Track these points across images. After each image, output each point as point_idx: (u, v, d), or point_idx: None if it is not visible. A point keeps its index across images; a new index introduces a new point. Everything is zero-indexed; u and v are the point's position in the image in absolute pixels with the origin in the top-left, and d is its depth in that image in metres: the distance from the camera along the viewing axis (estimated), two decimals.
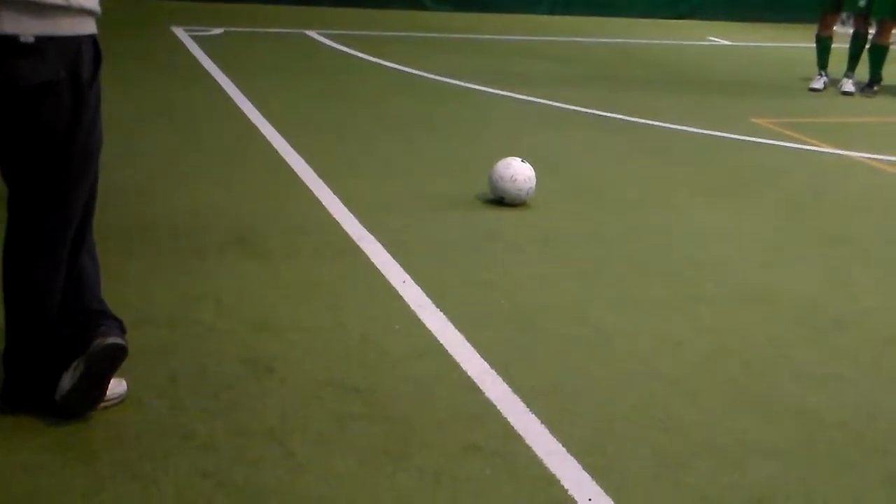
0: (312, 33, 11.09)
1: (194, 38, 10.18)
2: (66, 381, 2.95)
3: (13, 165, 2.90)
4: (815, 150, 7.18)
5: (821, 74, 9.85)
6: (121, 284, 3.95)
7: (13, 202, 2.95)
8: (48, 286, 2.98)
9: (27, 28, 2.71)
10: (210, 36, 10.45)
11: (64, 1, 2.74)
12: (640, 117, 7.09)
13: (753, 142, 7.30)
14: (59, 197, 2.92)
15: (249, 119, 6.94)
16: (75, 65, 2.80)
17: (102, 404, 3.02)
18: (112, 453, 2.83)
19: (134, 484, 2.70)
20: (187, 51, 9.57)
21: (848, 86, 9.75)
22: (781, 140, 7.41)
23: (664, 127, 7.55)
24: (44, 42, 2.73)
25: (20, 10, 2.70)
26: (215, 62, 8.95)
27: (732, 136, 7.41)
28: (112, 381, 3.02)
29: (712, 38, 13.16)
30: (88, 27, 2.84)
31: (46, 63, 2.75)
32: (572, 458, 2.96)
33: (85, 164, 2.95)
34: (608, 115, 6.75)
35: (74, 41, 2.79)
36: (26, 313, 2.99)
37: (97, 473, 2.73)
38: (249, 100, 7.47)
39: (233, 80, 8.17)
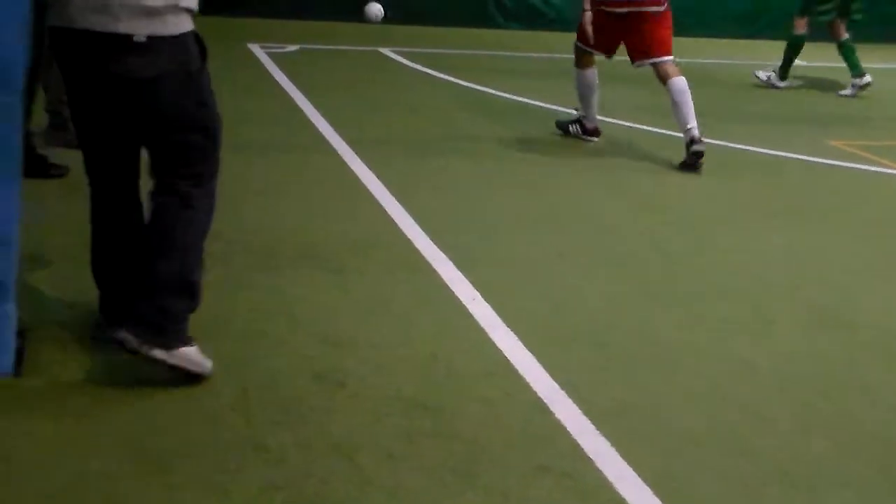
0: (386, 51, 11.17)
1: (270, 54, 10.30)
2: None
3: (140, 145, 3.38)
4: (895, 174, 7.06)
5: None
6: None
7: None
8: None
9: (140, 28, 3.12)
10: (285, 53, 10.57)
11: (172, 2, 3.14)
12: (712, 138, 7.01)
13: (831, 164, 7.19)
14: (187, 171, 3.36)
15: (322, 134, 7.00)
16: (184, 58, 3.22)
17: (183, 366, 3.25)
18: (185, 464, 2.87)
19: (207, 495, 2.73)
20: (262, 67, 9.69)
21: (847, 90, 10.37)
22: (860, 163, 7.29)
23: (736, 147, 7.47)
24: (156, 42, 3.14)
25: (135, 13, 3.11)
26: (290, 78, 9.04)
27: (809, 157, 7.30)
28: (199, 356, 3.30)
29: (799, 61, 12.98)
30: (190, 24, 3.24)
31: (158, 59, 3.16)
32: (642, 481, 2.93)
33: (206, 139, 3.40)
34: (677, 134, 6.71)
35: (181, 38, 3.20)
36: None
37: (171, 483, 2.77)
38: (323, 115, 7.53)
39: (306, 96, 8.24)
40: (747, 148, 7.48)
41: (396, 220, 5.17)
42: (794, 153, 7.40)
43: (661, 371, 3.69)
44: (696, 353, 3.86)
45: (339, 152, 6.52)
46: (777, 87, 10.41)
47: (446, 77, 9.83)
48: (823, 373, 3.77)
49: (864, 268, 5.00)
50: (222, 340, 3.67)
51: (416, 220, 5.15)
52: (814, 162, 7.22)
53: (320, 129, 7.14)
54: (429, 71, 10.15)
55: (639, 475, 2.95)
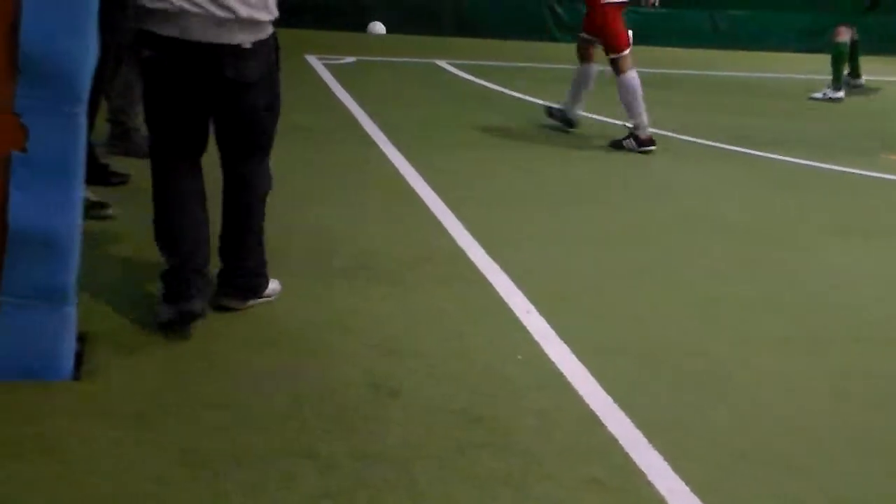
0: (442, 62, 11.21)
1: (327, 66, 10.39)
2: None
3: (231, 134, 3.90)
4: None
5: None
6: (248, 308, 4.04)
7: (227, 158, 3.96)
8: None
9: (248, 38, 3.69)
10: (342, 64, 10.65)
11: (270, 16, 3.73)
12: (766, 151, 6.98)
13: (887, 179, 7.10)
14: (259, 147, 3.98)
15: (378, 145, 7.04)
16: (272, 58, 3.82)
17: (262, 300, 4.05)
18: (238, 471, 2.89)
19: (256, 502, 2.75)
20: (320, 78, 9.77)
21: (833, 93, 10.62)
22: None
23: (791, 161, 7.40)
24: (258, 46, 3.72)
25: (245, 26, 3.66)
26: (346, 89, 9.11)
27: (864, 172, 7.21)
28: (275, 281, 4.12)
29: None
30: (272, 28, 3.80)
31: (259, 62, 3.74)
32: (694, 496, 2.91)
33: (273, 122, 3.98)
34: (735, 148, 6.67)
35: (270, 41, 3.80)
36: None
37: (223, 490, 2.80)
38: (378, 126, 7.58)
39: (363, 107, 8.30)
40: (805, 162, 7.41)
41: (452, 233, 5.18)
42: (853, 168, 7.30)
43: (713, 387, 3.66)
44: (748, 370, 3.82)
45: (396, 163, 6.55)
46: (837, 99, 10.35)
47: (501, 89, 9.84)
48: (877, 393, 3.72)
49: None
50: (275, 349, 3.70)
51: (471, 233, 5.16)
52: (873, 177, 7.13)
53: (376, 140, 7.18)
54: (484, 83, 10.17)
55: (690, 489, 2.94)
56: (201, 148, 3.94)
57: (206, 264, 3.89)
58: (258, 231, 4.01)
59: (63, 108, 3.20)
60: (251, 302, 4.00)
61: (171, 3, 3.59)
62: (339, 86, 9.30)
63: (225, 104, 3.81)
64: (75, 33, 3.18)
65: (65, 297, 3.31)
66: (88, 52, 3.24)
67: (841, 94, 10.45)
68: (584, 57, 7.64)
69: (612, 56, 7.34)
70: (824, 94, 10.47)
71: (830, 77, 10.47)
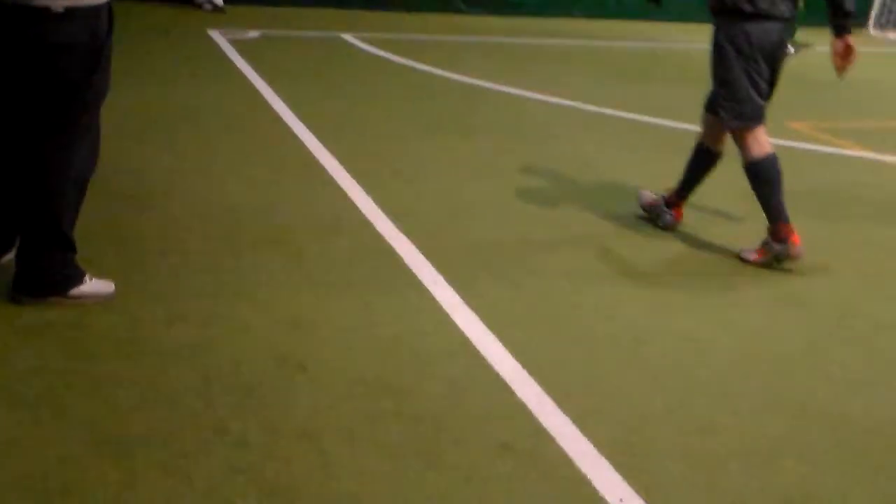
0: (347, 36, 11.12)
1: (231, 41, 10.23)
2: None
3: (34, 107, 3.51)
4: (852, 155, 7.12)
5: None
6: (156, 283, 3.99)
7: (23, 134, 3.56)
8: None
9: (59, 2, 3.35)
10: (246, 39, 10.50)
11: None
12: (658, 118, 7.06)
13: (790, 146, 7.24)
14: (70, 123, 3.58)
15: (283, 120, 6.96)
16: (94, 29, 3.48)
17: (90, 300, 3.74)
18: (146, 449, 2.85)
19: (168, 479, 2.72)
20: (223, 54, 9.62)
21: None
22: (818, 144, 7.35)
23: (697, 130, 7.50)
24: (71, 11, 3.38)
25: None
26: (251, 64, 8.99)
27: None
28: (101, 282, 3.79)
29: None
30: None
31: (74, 28, 3.40)
32: (604, 459, 2.96)
33: (96, 101, 3.63)
34: (637, 117, 6.74)
35: (95, 9, 3.47)
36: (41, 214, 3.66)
37: (132, 468, 2.76)
38: (284, 101, 7.50)
39: (268, 82, 8.20)
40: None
41: (358, 205, 5.16)
42: None
43: (623, 350, 3.72)
44: (659, 333, 3.88)
45: (301, 138, 6.49)
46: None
47: (408, 62, 9.80)
48: (782, 351, 3.81)
49: (820, 248, 5.04)
50: (184, 324, 3.66)
51: (378, 205, 5.15)
52: (776, 144, 7.25)
53: (281, 115, 7.11)
54: (390, 56, 10.12)
55: (600, 452, 2.98)
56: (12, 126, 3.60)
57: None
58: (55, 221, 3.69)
59: None
60: (53, 299, 3.71)
61: None
62: (244, 61, 9.18)
63: (31, 71, 3.46)
64: None
65: None
66: None
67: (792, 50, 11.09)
68: None
69: None
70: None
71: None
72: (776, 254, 4.62)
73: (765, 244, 4.66)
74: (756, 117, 4.68)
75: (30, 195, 3.63)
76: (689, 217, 5.31)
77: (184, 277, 4.08)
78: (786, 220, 4.61)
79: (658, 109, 8.05)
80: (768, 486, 2.88)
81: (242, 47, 9.91)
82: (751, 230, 4.94)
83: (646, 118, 7.79)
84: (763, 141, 4.71)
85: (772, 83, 4.74)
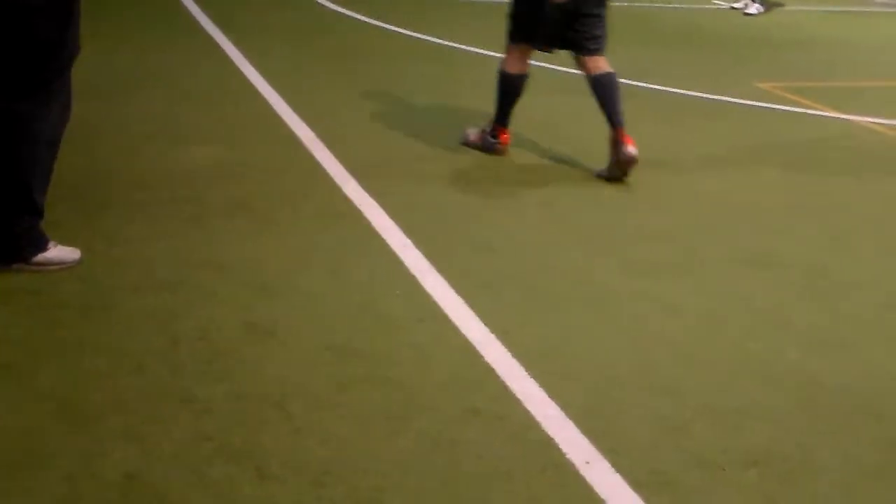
0: None
1: None
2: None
3: (9, 70, 3.50)
4: (819, 115, 7.14)
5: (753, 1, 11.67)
6: (121, 249, 3.97)
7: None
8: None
9: None
10: None
11: None
12: (640, 80, 7.05)
13: (757, 106, 7.26)
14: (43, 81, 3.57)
15: (250, 81, 6.91)
16: None
17: (55, 266, 3.71)
18: (113, 416, 2.84)
19: (134, 447, 2.71)
20: (187, 12, 9.53)
21: (751, 8, 11.54)
22: (785, 104, 7.37)
23: (666, 91, 7.52)
24: None
25: None
26: (216, 23, 8.90)
27: (735, 100, 7.37)
28: (66, 249, 3.76)
29: (717, 2, 13.06)
30: None
31: None
32: (570, 421, 2.97)
33: (69, 62, 3.63)
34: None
35: None
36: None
37: (98, 436, 2.75)
38: (250, 61, 7.45)
39: (233, 42, 8.13)
40: (679, 91, 7.52)
41: (327, 168, 5.14)
42: (725, 96, 7.45)
43: (591, 313, 3.73)
44: (626, 295, 3.90)
45: (269, 100, 6.45)
46: (749, 14, 11.47)
47: (377, 22, 9.74)
48: (750, 312, 3.83)
49: (787, 209, 5.07)
50: (151, 291, 3.64)
51: (346, 168, 5.13)
52: (743, 104, 7.28)
53: (248, 76, 7.05)
54: (359, 16, 10.05)
55: (567, 415, 2.99)
56: None
57: None
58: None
59: None
60: (16, 266, 3.68)
61: None
62: (208, 19, 9.08)
63: (5, 33, 3.45)
64: None
65: None
66: None
67: (754, 10, 11.24)
68: None
69: None
70: (745, 4, 11.55)
71: None
72: (489, 146, 5.56)
73: (483, 131, 5.61)
74: (526, 40, 5.40)
75: (1, 160, 3.58)
76: (651, 179, 5.33)
77: (150, 243, 4.05)
78: (504, 126, 5.55)
79: (625, 71, 8.03)
80: (733, 447, 2.90)
81: (206, 4, 9.80)
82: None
83: None
84: (523, 62, 5.49)
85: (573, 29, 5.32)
